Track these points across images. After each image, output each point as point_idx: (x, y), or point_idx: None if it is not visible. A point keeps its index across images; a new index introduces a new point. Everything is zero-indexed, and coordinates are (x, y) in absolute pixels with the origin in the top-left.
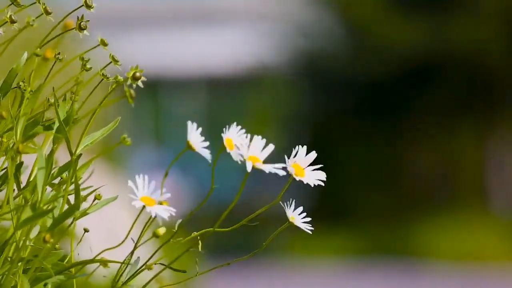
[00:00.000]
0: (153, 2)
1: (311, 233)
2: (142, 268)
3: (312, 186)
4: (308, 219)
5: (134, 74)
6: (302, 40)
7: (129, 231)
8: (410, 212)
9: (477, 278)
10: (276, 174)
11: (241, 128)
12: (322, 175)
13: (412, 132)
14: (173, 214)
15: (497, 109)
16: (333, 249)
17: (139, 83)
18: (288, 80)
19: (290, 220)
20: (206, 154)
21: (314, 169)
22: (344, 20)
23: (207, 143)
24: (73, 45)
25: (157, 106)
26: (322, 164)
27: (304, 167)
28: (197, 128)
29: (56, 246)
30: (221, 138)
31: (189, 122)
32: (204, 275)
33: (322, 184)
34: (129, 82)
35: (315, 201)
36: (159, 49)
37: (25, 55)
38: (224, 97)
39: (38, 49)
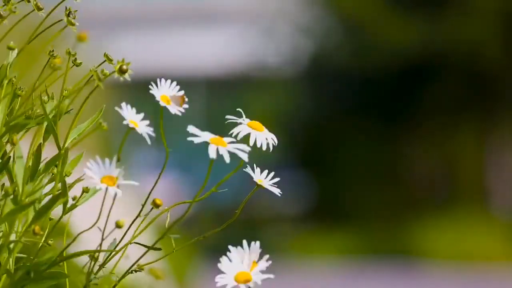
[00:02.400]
0: (153, 2)
1: (279, 195)
2: (116, 251)
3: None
4: (276, 179)
5: (120, 67)
6: (302, 39)
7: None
8: (410, 212)
9: (477, 278)
10: (277, 174)
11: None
12: (274, 139)
13: (412, 132)
14: (136, 184)
15: (497, 109)
16: (333, 249)
17: (127, 76)
18: (288, 80)
19: (259, 183)
20: (148, 131)
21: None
22: (344, 20)
23: (147, 122)
24: (67, 42)
25: (157, 106)
26: (322, 163)
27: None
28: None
29: (50, 242)
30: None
31: (123, 104)
32: (203, 276)
33: (276, 142)
34: (116, 75)
35: (315, 201)
36: (159, 49)
37: (15, 52)
38: (224, 97)
39: (11, 42)
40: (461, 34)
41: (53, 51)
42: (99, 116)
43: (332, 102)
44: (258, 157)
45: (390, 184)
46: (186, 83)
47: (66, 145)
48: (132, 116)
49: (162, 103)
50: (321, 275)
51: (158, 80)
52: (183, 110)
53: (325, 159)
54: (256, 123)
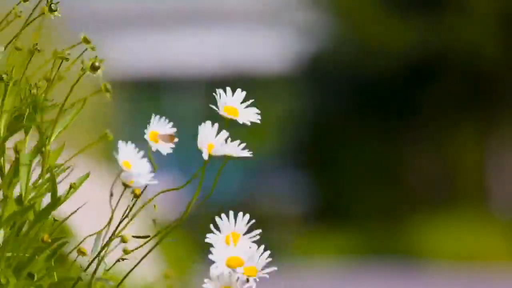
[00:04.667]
0: (153, 2)
1: (251, 156)
2: (109, 240)
3: (249, 124)
4: (246, 149)
5: (93, 64)
6: (302, 40)
7: (114, 211)
8: (410, 212)
9: (477, 278)
10: (277, 175)
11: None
12: (255, 111)
13: (412, 132)
14: (150, 173)
15: (497, 109)
16: (333, 249)
17: (99, 73)
18: (288, 81)
19: (228, 154)
20: (146, 167)
21: (247, 106)
22: (344, 21)
23: (138, 152)
24: (65, 45)
25: (157, 106)
26: (322, 163)
27: (237, 107)
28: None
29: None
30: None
31: (119, 143)
32: (202, 276)
33: (258, 121)
34: (87, 72)
35: (315, 200)
36: (159, 50)
37: (1, 48)
38: None
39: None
40: (460, 35)
41: (36, 44)
42: (81, 108)
43: (333, 103)
44: (259, 158)
45: (391, 184)
46: (186, 83)
47: (52, 139)
48: (127, 156)
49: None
50: (322, 275)
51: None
52: (172, 147)
53: (326, 159)
54: (231, 108)
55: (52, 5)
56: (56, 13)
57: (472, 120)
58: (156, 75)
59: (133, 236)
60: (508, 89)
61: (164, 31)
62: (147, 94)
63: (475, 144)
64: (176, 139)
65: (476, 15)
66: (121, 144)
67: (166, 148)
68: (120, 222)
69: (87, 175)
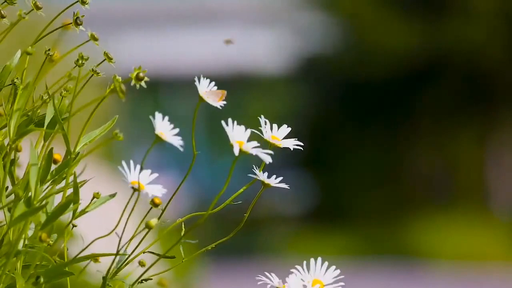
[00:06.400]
0: (153, 2)
1: (288, 187)
2: (130, 259)
3: (292, 149)
4: (280, 179)
5: (137, 74)
6: (301, 41)
7: (119, 220)
8: (410, 212)
9: (477, 278)
10: (277, 175)
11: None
12: (299, 143)
13: (412, 133)
14: (164, 192)
15: (497, 110)
16: (333, 249)
17: (142, 83)
18: (287, 81)
19: (266, 182)
20: (177, 141)
21: (292, 139)
22: (343, 22)
23: (176, 130)
24: (69, 44)
25: (157, 106)
26: (322, 164)
27: (280, 138)
28: (164, 118)
29: (51, 243)
30: (221, 139)
31: (156, 113)
32: (204, 276)
33: (301, 148)
34: (132, 83)
35: (315, 201)
36: (159, 49)
37: (19, 53)
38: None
39: (30, 47)
40: (461, 35)
41: (49, 50)
42: (112, 125)
43: (332, 103)
44: (259, 158)
45: (391, 184)
46: (186, 83)
47: (77, 150)
48: (162, 127)
49: (206, 98)
50: None
51: (198, 78)
52: (222, 105)
53: (326, 159)
54: (275, 137)
55: (78, 19)
56: (80, 26)
57: (472, 120)
58: (156, 75)
59: (161, 256)
60: (509, 89)
61: (164, 31)
62: (146, 94)
63: (475, 144)
64: (224, 99)
65: (478, 16)
66: (158, 115)
67: (217, 104)
68: (133, 236)
69: (114, 195)
